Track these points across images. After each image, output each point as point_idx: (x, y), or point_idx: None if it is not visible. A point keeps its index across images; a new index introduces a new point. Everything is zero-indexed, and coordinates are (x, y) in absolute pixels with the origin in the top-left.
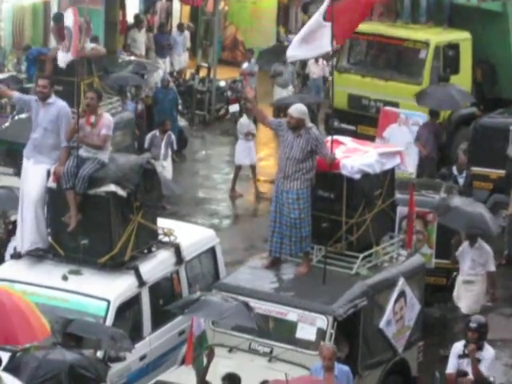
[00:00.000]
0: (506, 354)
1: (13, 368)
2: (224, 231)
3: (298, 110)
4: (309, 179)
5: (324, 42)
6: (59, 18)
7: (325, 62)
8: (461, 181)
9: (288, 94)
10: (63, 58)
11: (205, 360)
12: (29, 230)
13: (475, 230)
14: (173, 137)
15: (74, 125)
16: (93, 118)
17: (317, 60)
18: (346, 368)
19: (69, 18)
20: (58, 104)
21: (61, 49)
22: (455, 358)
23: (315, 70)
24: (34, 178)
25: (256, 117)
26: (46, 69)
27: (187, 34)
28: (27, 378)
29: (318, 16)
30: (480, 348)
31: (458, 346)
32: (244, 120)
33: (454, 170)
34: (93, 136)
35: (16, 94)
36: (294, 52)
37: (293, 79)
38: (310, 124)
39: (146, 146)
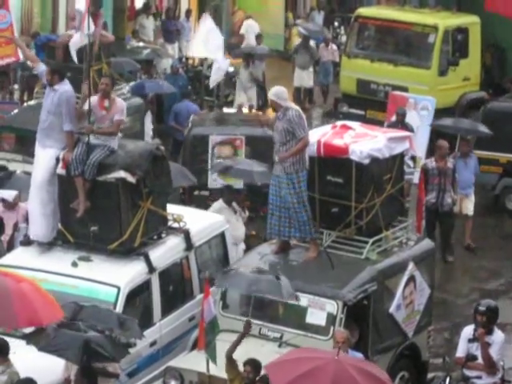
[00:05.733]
0: None
1: (35, 338)
2: None
3: (271, 91)
4: (296, 162)
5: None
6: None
7: (334, 46)
8: None
9: (308, 75)
10: (77, 42)
11: (217, 345)
12: (35, 216)
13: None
14: None
15: (81, 108)
16: (106, 102)
17: (327, 44)
18: (359, 354)
19: (81, 2)
20: (61, 89)
21: (74, 32)
22: (465, 341)
23: (325, 54)
24: (40, 162)
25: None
26: (56, 55)
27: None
28: (41, 346)
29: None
30: (490, 332)
31: (467, 330)
32: None
33: None
34: (106, 120)
35: (41, 66)
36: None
37: (311, 61)
38: (288, 105)
39: None
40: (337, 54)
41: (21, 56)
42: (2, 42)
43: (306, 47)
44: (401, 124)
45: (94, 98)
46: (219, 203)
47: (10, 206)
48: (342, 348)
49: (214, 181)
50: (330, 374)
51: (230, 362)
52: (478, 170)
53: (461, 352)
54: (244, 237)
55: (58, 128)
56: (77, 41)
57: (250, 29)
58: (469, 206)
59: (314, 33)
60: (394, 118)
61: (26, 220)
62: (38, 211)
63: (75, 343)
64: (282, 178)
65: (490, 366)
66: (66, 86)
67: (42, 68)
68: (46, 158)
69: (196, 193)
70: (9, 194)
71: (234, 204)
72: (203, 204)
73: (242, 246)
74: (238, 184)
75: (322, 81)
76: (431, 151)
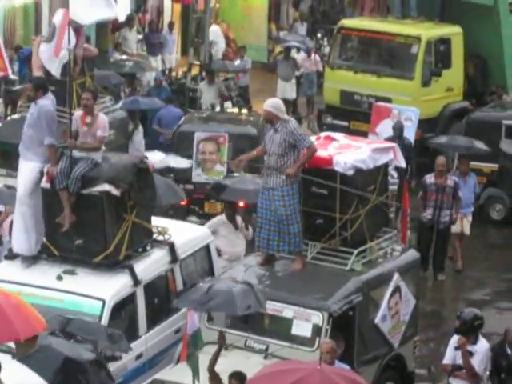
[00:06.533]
0: None
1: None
2: None
3: (267, 103)
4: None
5: None
6: None
7: (317, 57)
8: None
9: (291, 87)
10: (50, 64)
11: (199, 358)
12: (16, 229)
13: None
14: None
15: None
16: (89, 119)
17: (309, 55)
18: (345, 366)
19: (58, 17)
20: (41, 102)
21: (42, 40)
22: (452, 349)
23: (307, 65)
24: (22, 175)
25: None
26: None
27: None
28: (20, 357)
29: None
30: (474, 341)
31: (455, 338)
32: None
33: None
34: (88, 136)
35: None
36: None
37: (293, 73)
38: (286, 117)
39: None
40: (320, 65)
41: (9, 71)
42: None
43: (288, 59)
44: (398, 139)
45: (78, 114)
46: (219, 218)
47: None
48: (327, 358)
49: (198, 175)
50: None
51: (213, 376)
52: (477, 188)
53: (448, 359)
54: (243, 254)
55: (38, 141)
56: (46, 53)
57: (215, 34)
58: (466, 226)
59: (303, 43)
60: (382, 134)
61: (9, 234)
62: (19, 224)
63: (53, 362)
64: (277, 190)
65: (472, 376)
66: (46, 100)
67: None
68: (26, 170)
69: (181, 186)
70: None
71: (239, 220)
72: (188, 197)
73: None
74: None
75: (305, 91)
76: (430, 166)
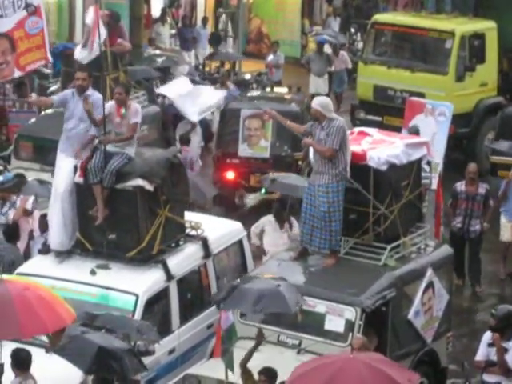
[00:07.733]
0: None
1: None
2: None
3: (315, 101)
4: (339, 173)
5: None
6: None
7: (345, 55)
8: None
9: (324, 82)
10: (80, 54)
11: (234, 353)
12: (55, 225)
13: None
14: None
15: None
16: (123, 110)
17: (336, 54)
18: None
19: (89, 16)
20: (94, 96)
21: (79, 45)
22: (485, 346)
23: (336, 64)
24: (63, 171)
25: (292, 130)
26: (73, 64)
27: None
28: (56, 349)
29: None
30: (508, 338)
31: (488, 334)
32: None
33: None
34: (122, 126)
35: (55, 99)
36: None
37: (326, 68)
38: (333, 116)
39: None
40: (349, 61)
41: (50, 58)
42: (33, 47)
43: (321, 54)
44: None
45: (111, 104)
46: (267, 217)
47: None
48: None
49: (244, 150)
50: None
51: (245, 372)
52: None
53: (480, 356)
54: None
55: (84, 136)
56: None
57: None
58: None
59: (336, 38)
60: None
61: (40, 228)
62: (58, 220)
63: (88, 352)
64: (322, 186)
65: (505, 372)
66: (98, 94)
67: (55, 100)
68: (69, 167)
69: (228, 161)
70: (27, 202)
71: (290, 219)
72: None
73: None
74: (265, 154)
75: (335, 89)
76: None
